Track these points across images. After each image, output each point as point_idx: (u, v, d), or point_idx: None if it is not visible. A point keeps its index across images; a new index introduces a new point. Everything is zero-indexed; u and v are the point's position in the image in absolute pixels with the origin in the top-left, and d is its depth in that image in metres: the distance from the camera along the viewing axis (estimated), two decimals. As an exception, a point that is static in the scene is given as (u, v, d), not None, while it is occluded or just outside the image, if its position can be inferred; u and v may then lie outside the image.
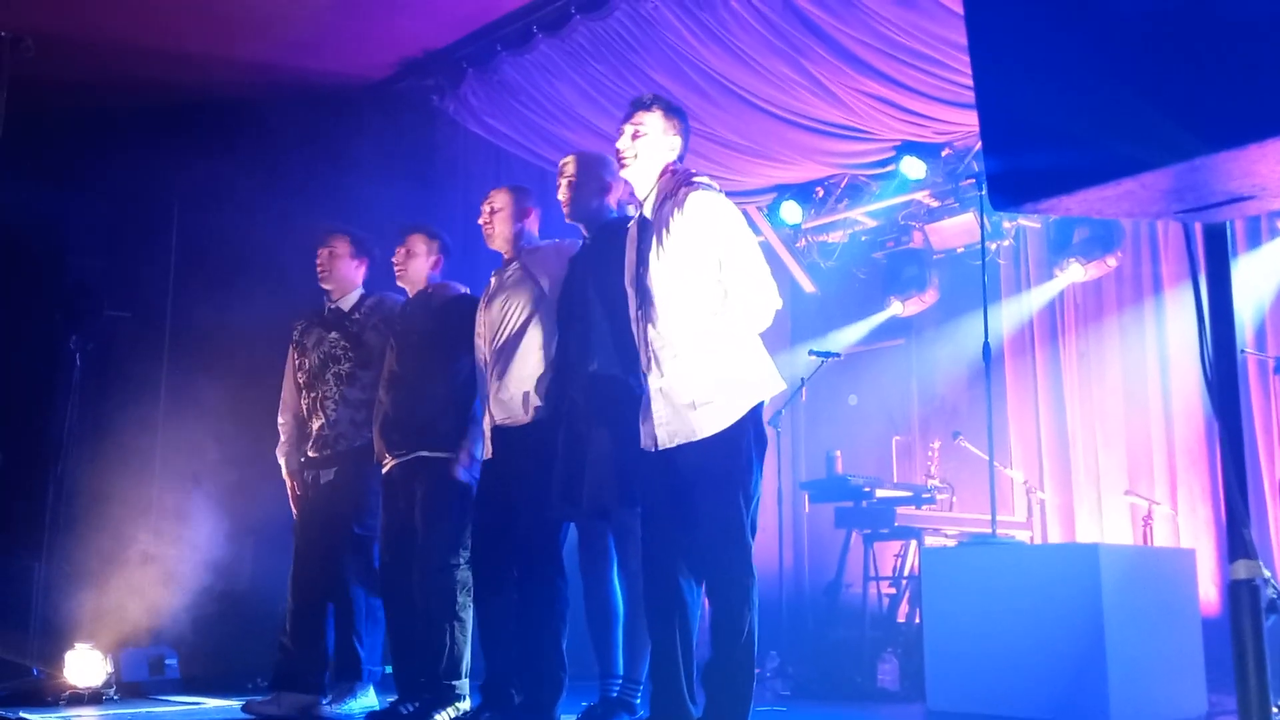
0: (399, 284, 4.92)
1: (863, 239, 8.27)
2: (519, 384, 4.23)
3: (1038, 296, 7.46)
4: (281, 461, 5.18)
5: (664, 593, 3.50)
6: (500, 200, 4.50)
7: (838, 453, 6.81)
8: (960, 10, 2.04)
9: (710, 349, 3.49)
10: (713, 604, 3.47)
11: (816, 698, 5.88)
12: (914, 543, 6.42)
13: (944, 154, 7.14)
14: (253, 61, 6.80)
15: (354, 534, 4.98)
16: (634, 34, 6.12)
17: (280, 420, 5.23)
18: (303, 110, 6.90)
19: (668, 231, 3.53)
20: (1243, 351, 5.85)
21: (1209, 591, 6.09)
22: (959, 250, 7.73)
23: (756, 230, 7.54)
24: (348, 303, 5.17)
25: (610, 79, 6.41)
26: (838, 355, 6.91)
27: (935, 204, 7.67)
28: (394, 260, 4.88)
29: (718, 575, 3.44)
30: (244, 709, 4.90)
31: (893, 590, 6.62)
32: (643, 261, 3.60)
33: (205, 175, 6.47)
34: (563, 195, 4.10)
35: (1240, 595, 1.64)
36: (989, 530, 5.67)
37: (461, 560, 4.51)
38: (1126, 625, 4.50)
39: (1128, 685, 4.43)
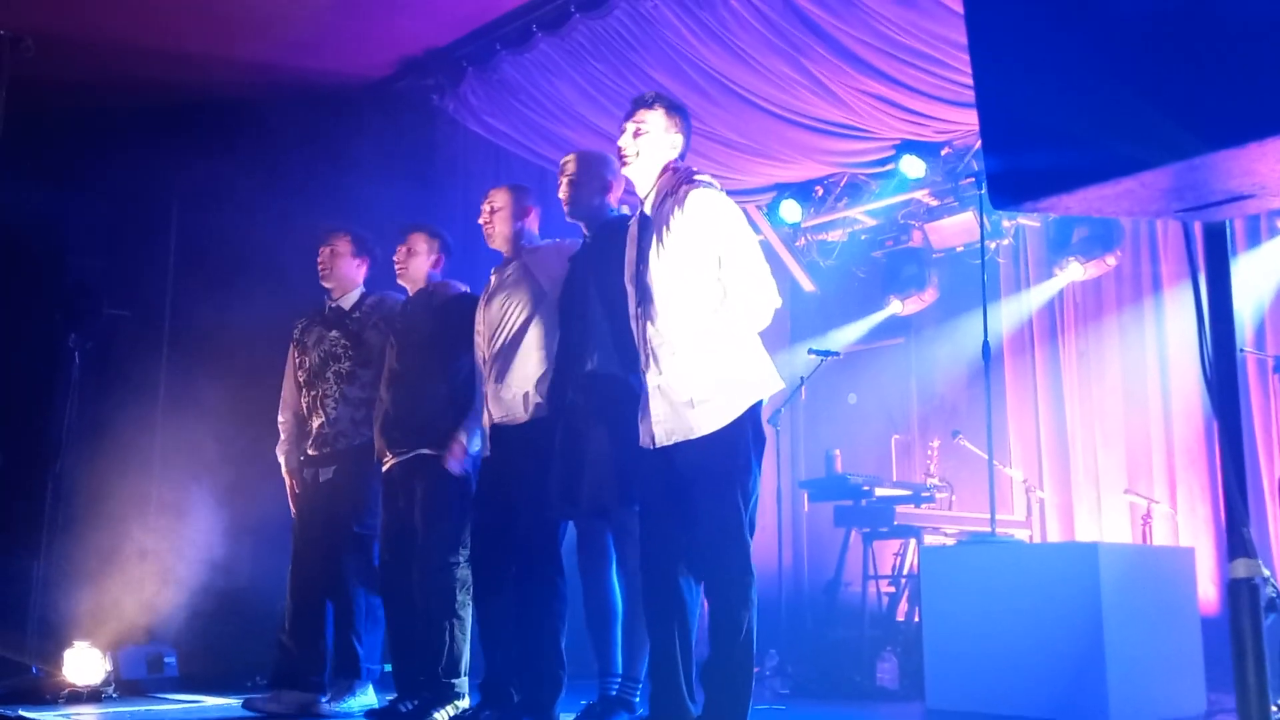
0: (399, 282, 4.93)
1: (862, 238, 8.27)
2: (520, 383, 4.23)
3: (1037, 295, 7.46)
4: (281, 460, 5.19)
5: (663, 591, 3.51)
6: (500, 199, 4.50)
7: (837, 451, 6.81)
8: (960, 9, 2.04)
9: (709, 347, 3.49)
10: (711, 603, 3.47)
11: (815, 696, 5.88)
12: (913, 541, 6.42)
13: (943, 153, 7.14)
14: (252, 61, 6.80)
15: (353, 533, 4.98)
16: (633, 33, 6.12)
17: (280, 419, 5.23)
18: (302, 110, 6.90)
19: (668, 229, 3.53)
20: (1242, 351, 5.85)
21: (1208, 590, 6.09)
22: (958, 249, 7.73)
23: (756, 229, 7.54)
24: (348, 301, 5.18)
25: (610, 78, 6.41)
26: (837, 354, 6.91)
27: (935, 203, 7.67)
28: (395, 259, 4.89)
29: (716, 574, 3.44)
30: (244, 706, 4.91)
31: (892, 589, 6.62)
32: (643, 259, 3.60)
33: (205, 175, 6.47)
34: (563, 193, 4.10)
35: (1239, 594, 1.64)
36: (988, 529, 5.67)
37: (461, 559, 4.52)
38: (1126, 624, 4.50)
39: (1127, 684, 4.43)
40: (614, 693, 3.94)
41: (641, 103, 3.72)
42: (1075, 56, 1.47)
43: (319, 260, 5.19)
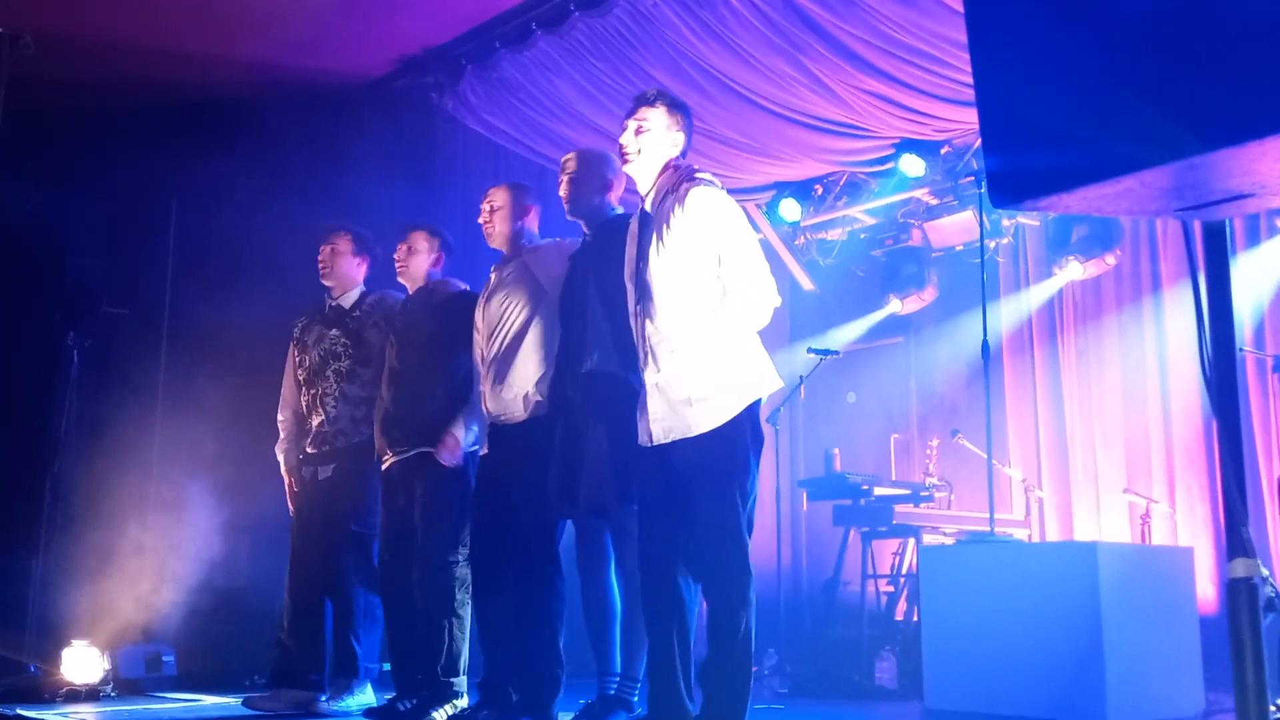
0: (400, 280, 4.93)
1: (862, 236, 8.26)
2: (520, 383, 4.23)
3: (1037, 294, 7.45)
4: (280, 458, 5.19)
5: (661, 591, 3.50)
6: (500, 198, 4.50)
7: (836, 451, 6.81)
8: (960, 8, 2.04)
9: (708, 346, 3.49)
10: (710, 602, 3.47)
11: (814, 696, 5.88)
12: (912, 541, 6.42)
13: (943, 152, 7.14)
14: (251, 60, 6.79)
15: (352, 531, 4.98)
16: (633, 31, 6.11)
17: (280, 417, 5.24)
18: (301, 109, 6.90)
19: (668, 227, 3.53)
20: (1241, 350, 5.85)
21: (1207, 590, 6.09)
22: (958, 248, 7.72)
23: (755, 228, 7.54)
24: (348, 300, 5.18)
25: (609, 76, 6.41)
26: (836, 353, 6.91)
27: (934, 202, 7.66)
28: (396, 257, 4.90)
29: (715, 573, 3.44)
30: (244, 704, 4.91)
31: (891, 588, 6.62)
32: (643, 256, 3.60)
33: (204, 173, 6.46)
34: (564, 191, 4.10)
35: (1238, 593, 1.64)
36: (987, 528, 5.67)
37: (461, 558, 4.52)
38: (1124, 623, 4.50)
39: (1125, 683, 4.43)
40: (612, 692, 3.94)
41: (644, 100, 3.71)
42: (1075, 55, 1.46)
43: (319, 259, 5.19)
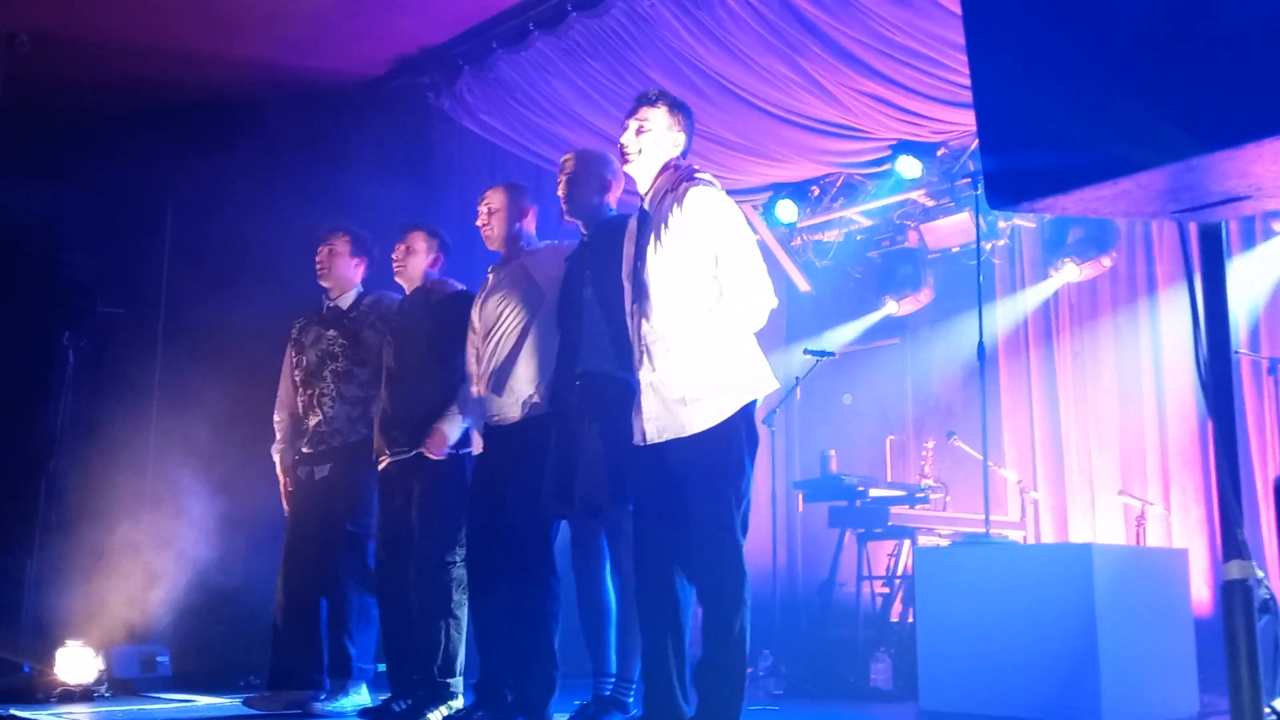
0: (397, 280, 4.93)
1: (858, 238, 8.27)
2: (518, 384, 4.23)
3: (1032, 296, 7.46)
4: (276, 459, 5.18)
5: (656, 591, 3.50)
6: (497, 200, 4.50)
7: (832, 452, 6.81)
8: (957, 9, 2.04)
9: (704, 345, 3.49)
10: (704, 603, 3.47)
11: (809, 697, 5.89)
12: (908, 542, 6.42)
13: (940, 153, 7.14)
14: (248, 59, 6.79)
15: (347, 531, 4.97)
16: (630, 31, 6.11)
17: (276, 418, 5.23)
18: (298, 108, 6.90)
19: (666, 227, 3.53)
20: (1237, 352, 5.85)
21: (1202, 592, 6.10)
22: (954, 250, 7.73)
23: (752, 229, 7.53)
24: (346, 300, 5.18)
25: (607, 77, 6.41)
26: (832, 354, 6.91)
27: (931, 203, 7.67)
28: (394, 257, 4.90)
29: (709, 574, 3.44)
30: (244, 703, 4.91)
31: (886, 590, 6.61)
32: (640, 255, 3.60)
33: (200, 173, 6.46)
34: (562, 191, 4.10)
35: (1233, 595, 1.64)
36: (983, 530, 5.67)
37: (458, 558, 4.52)
38: (1119, 625, 4.51)
39: (1120, 685, 4.44)
40: (607, 693, 3.94)
41: (645, 100, 3.72)
42: (1072, 57, 1.47)
43: (317, 259, 5.19)
